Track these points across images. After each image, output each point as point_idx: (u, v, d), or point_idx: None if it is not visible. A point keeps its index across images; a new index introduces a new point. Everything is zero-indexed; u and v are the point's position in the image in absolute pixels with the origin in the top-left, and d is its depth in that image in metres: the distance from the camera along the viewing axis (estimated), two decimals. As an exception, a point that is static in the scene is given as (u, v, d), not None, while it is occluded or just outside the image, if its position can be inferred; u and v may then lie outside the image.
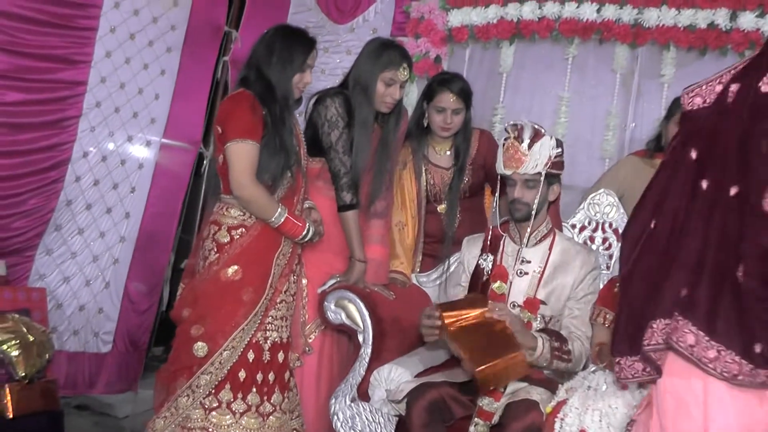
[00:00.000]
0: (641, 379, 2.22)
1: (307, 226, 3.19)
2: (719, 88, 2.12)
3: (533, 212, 3.10)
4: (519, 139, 3.07)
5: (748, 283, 1.96)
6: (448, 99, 3.52)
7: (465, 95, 3.55)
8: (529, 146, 3.05)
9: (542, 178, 3.07)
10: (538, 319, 3.07)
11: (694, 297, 2.03)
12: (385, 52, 3.39)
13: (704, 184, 2.07)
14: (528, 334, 2.92)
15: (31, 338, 3.66)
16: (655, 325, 2.13)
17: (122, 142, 4.53)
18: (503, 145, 3.14)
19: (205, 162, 5.05)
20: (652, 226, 2.19)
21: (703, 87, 2.16)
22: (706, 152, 2.10)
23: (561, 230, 3.47)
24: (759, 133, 1.99)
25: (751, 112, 2.02)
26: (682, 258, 2.08)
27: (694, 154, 2.13)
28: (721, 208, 2.02)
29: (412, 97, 4.46)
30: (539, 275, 3.13)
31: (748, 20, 4.10)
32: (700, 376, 2.04)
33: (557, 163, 3.11)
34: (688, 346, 2.02)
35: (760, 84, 2.01)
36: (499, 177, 3.21)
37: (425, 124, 3.63)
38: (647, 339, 2.14)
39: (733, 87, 2.08)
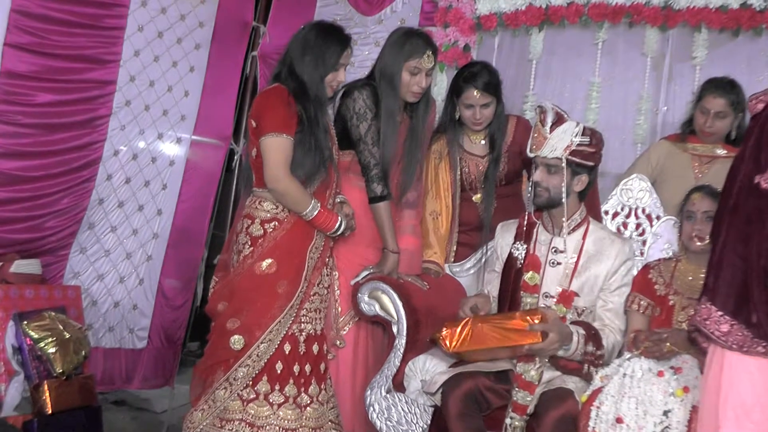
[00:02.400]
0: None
1: (339, 220, 3.20)
2: None
3: (560, 199, 3.05)
4: (543, 122, 3.04)
5: (755, 261, 2.09)
6: (474, 95, 3.49)
7: (492, 88, 3.51)
8: (551, 129, 3.02)
9: (563, 164, 3.02)
10: (572, 311, 3.03)
11: (715, 279, 2.18)
12: (408, 41, 3.38)
13: (740, 176, 2.18)
14: (564, 328, 2.88)
15: (68, 335, 3.70)
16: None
17: (153, 139, 4.56)
18: (533, 128, 3.11)
19: (235, 157, 5.07)
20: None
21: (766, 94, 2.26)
22: (750, 148, 2.20)
23: (600, 220, 3.43)
24: None
25: None
26: (714, 250, 2.23)
27: (742, 151, 2.24)
28: (745, 195, 2.14)
29: (441, 86, 4.45)
30: (573, 266, 3.10)
31: (783, -2, 4.03)
32: (719, 355, 2.19)
33: (582, 153, 3.03)
34: (702, 320, 2.19)
35: None
36: (532, 163, 3.18)
37: (457, 117, 3.61)
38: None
39: None
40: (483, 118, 3.54)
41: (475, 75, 3.51)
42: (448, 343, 2.89)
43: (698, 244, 3.07)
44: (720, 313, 2.13)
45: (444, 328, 2.92)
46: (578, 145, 3.02)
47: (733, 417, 2.14)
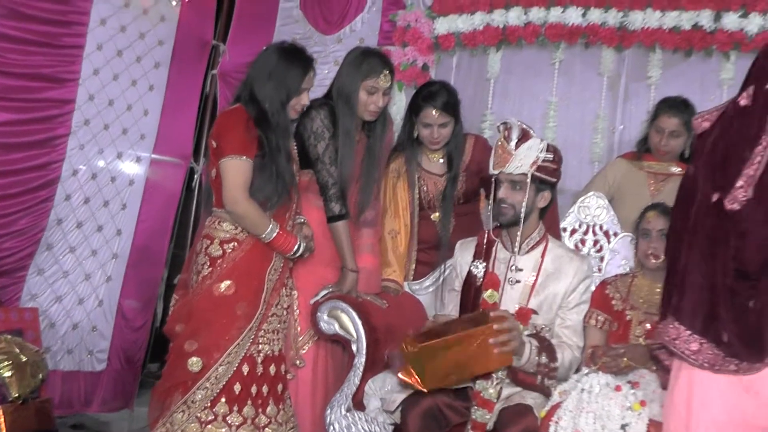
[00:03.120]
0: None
1: (298, 242, 3.19)
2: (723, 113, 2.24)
3: (520, 216, 3.07)
4: (508, 138, 3.06)
5: (720, 280, 2.08)
6: (432, 115, 3.51)
7: (450, 108, 3.54)
8: (516, 146, 3.04)
9: (528, 180, 3.05)
10: (530, 329, 3.05)
11: (679, 298, 2.16)
12: (365, 60, 3.40)
13: (698, 196, 2.17)
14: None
15: (24, 359, 3.65)
16: (660, 327, 2.26)
17: (112, 159, 4.53)
18: (495, 145, 3.14)
19: (195, 176, 5.04)
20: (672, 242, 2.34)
21: (713, 113, 2.27)
22: (698, 165, 2.21)
23: (559, 238, 3.47)
24: (736, 143, 2.09)
25: (729, 126, 2.15)
26: (675, 268, 2.22)
27: (691, 170, 2.25)
28: (704, 214, 2.13)
29: (400, 105, 4.48)
30: (531, 284, 3.11)
31: (731, 20, 4.14)
32: (686, 372, 2.16)
33: (546, 168, 3.07)
34: (671, 340, 2.16)
35: (740, 99, 2.13)
36: (493, 181, 3.20)
37: (415, 136, 3.63)
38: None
39: (730, 107, 2.20)
40: (441, 137, 3.56)
41: (434, 94, 3.53)
42: (407, 347, 2.78)
43: (653, 261, 3.12)
44: (689, 332, 2.12)
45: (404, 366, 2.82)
46: (543, 161, 3.05)
47: None
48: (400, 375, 2.83)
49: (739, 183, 2.04)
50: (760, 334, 2.05)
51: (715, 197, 2.10)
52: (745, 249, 2.03)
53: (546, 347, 2.94)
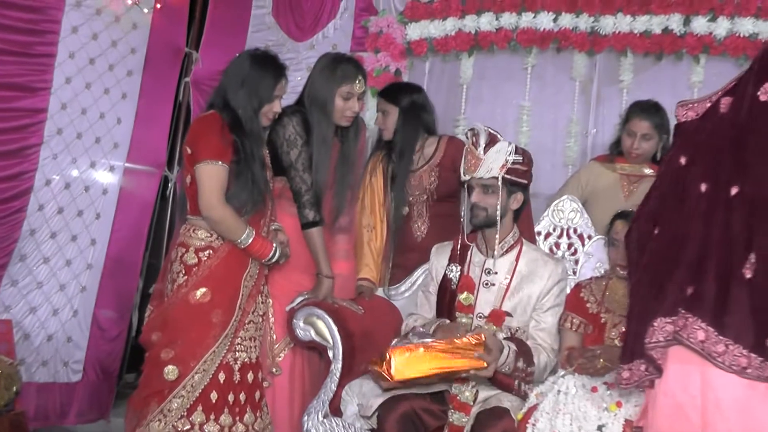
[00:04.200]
0: (644, 380, 2.27)
1: (274, 247, 3.19)
2: (709, 104, 2.23)
3: (496, 219, 3.10)
4: (476, 144, 3.09)
5: (758, 280, 2.03)
6: (377, 102, 3.70)
7: (388, 94, 3.71)
8: (485, 150, 3.07)
9: (499, 183, 3.08)
10: (504, 330, 3.07)
11: (700, 294, 2.10)
12: (339, 66, 3.41)
13: (703, 187, 2.15)
14: (496, 340, 2.90)
15: (-3, 371, 3.62)
16: (656, 324, 2.20)
17: (85, 168, 4.49)
18: (464, 152, 3.16)
19: (170, 185, 5.02)
20: (656, 232, 2.28)
21: (696, 104, 2.28)
22: (698, 158, 2.19)
23: (534, 242, 3.49)
24: (762, 137, 2.07)
25: (748, 118, 2.11)
26: (684, 258, 2.16)
27: (683, 161, 2.23)
28: (723, 208, 2.10)
29: (373, 111, 4.47)
30: (506, 286, 3.14)
31: (700, 24, 4.19)
32: (697, 375, 2.11)
33: (516, 171, 3.10)
34: (699, 342, 2.09)
35: (758, 93, 2.10)
36: (466, 188, 3.22)
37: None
38: (648, 337, 2.22)
39: (725, 100, 2.19)
40: (386, 126, 3.68)
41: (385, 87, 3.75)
42: (388, 370, 2.79)
43: (622, 272, 3.15)
44: (716, 333, 2.06)
45: (379, 360, 2.84)
46: (512, 163, 3.08)
47: None
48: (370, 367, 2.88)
49: None
50: None
51: (734, 190, 2.07)
52: None
53: (524, 352, 2.96)
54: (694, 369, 2.11)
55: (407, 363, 2.77)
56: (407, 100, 3.67)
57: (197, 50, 5.06)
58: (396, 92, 3.68)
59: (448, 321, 3.10)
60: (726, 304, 2.05)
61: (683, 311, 2.12)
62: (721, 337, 2.05)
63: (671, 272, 2.20)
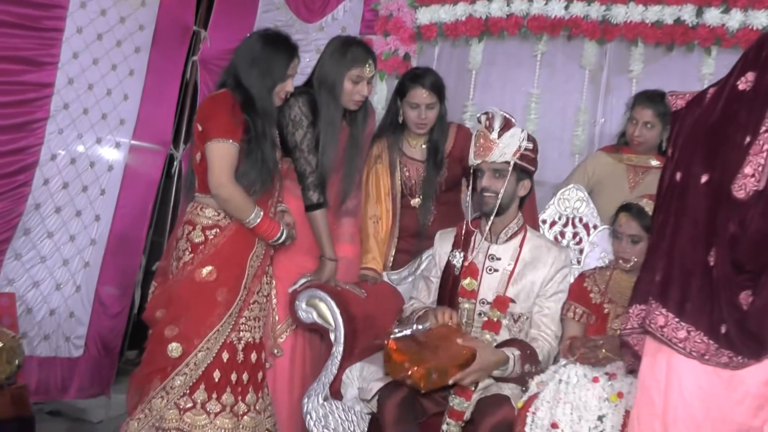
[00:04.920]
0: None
1: (281, 229, 3.20)
2: (700, 94, 2.22)
3: (509, 204, 3.11)
4: (490, 128, 3.08)
5: (718, 268, 2.03)
6: (421, 95, 3.53)
7: (438, 89, 3.56)
8: (499, 135, 3.06)
9: (510, 169, 3.07)
10: (508, 317, 3.07)
11: (666, 280, 2.11)
12: (349, 49, 3.39)
13: (678, 176, 2.14)
14: (498, 353, 2.89)
15: (0, 344, 3.61)
16: (631, 311, 2.21)
17: (91, 144, 4.48)
18: (475, 136, 3.15)
19: (175, 163, 5.02)
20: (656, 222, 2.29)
21: (687, 95, 2.26)
22: (678, 147, 2.19)
23: (538, 229, 3.48)
24: (732, 125, 2.05)
25: (724, 107, 2.10)
26: (660, 246, 2.16)
27: (670, 151, 2.23)
28: (692, 195, 2.09)
29: (381, 95, 4.48)
30: (509, 273, 3.14)
31: (713, 16, 4.15)
32: (663, 362, 2.11)
33: (527, 157, 3.11)
34: (659, 327, 2.10)
35: (737, 82, 2.09)
36: (472, 171, 3.21)
37: (400, 121, 3.63)
38: (624, 324, 2.24)
39: (712, 90, 2.17)
40: (428, 119, 3.57)
41: (422, 75, 3.58)
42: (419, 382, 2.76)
43: (624, 264, 3.15)
44: (676, 319, 2.07)
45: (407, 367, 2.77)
46: (525, 149, 3.09)
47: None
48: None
49: (749, 170, 1.99)
50: (761, 329, 2.01)
51: (704, 178, 2.07)
52: (744, 240, 2.00)
53: (529, 355, 2.96)
54: (662, 355, 2.12)
55: (433, 383, 2.76)
56: (445, 94, 3.63)
57: (206, 29, 5.04)
58: (441, 87, 3.58)
59: (442, 308, 3.08)
60: (688, 290, 2.07)
61: (651, 299, 2.14)
62: (682, 323, 2.06)
63: (648, 260, 2.24)
